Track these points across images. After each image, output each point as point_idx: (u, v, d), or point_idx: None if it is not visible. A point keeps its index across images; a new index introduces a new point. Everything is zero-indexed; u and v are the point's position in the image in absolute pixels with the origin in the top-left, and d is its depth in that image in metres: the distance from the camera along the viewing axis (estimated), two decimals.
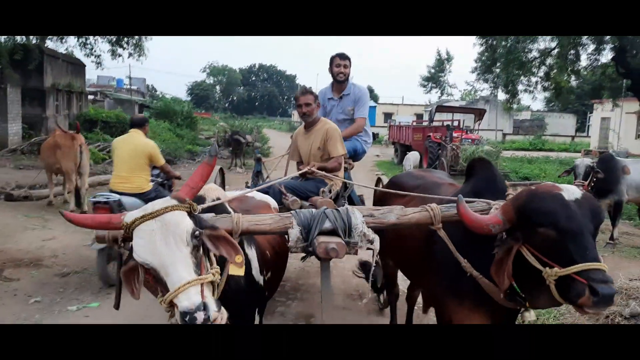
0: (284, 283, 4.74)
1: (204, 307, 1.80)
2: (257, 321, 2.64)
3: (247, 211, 2.69)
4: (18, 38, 15.69)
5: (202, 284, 1.86)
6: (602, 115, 30.77)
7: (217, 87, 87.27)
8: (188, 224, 1.95)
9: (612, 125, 29.08)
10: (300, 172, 3.82)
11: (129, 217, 1.95)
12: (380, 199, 3.71)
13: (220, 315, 1.87)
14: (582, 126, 45.83)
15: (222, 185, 4.72)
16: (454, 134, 15.28)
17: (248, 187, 4.56)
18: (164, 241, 1.89)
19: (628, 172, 6.71)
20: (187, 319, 1.77)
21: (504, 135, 37.46)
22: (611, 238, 6.87)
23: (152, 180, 5.32)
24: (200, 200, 2.32)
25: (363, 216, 2.57)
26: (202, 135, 27.92)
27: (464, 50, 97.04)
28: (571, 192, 2.08)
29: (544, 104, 53.62)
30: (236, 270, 2.13)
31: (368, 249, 2.58)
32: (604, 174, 6.60)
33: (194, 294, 1.82)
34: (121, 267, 2.05)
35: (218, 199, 2.44)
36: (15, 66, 14.87)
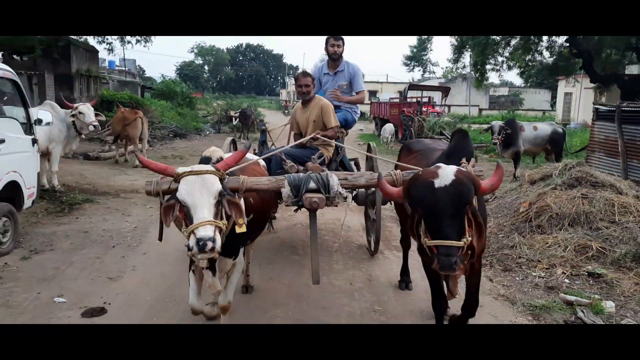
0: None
1: (213, 240, 2.36)
2: (240, 255, 3.15)
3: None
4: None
5: (215, 226, 2.44)
6: (565, 90, 32.95)
7: (206, 67, 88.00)
8: (218, 186, 2.57)
9: (574, 99, 31.61)
10: (306, 139, 4.45)
11: (180, 169, 2.58)
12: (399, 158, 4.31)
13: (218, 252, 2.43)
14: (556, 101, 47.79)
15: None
16: (424, 109, 18.39)
17: (256, 154, 5.23)
18: (200, 191, 2.49)
19: (523, 129, 9.85)
20: (200, 244, 2.33)
21: (480, 110, 38.72)
22: (514, 176, 9.99)
23: None
24: (207, 159, 2.90)
25: (339, 179, 3.19)
26: (199, 113, 30.34)
27: None
28: (444, 178, 2.36)
29: (523, 81, 55.69)
30: (239, 229, 2.72)
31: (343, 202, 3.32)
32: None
33: (209, 228, 2.39)
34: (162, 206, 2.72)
35: (220, 157, 2.93)
36: (47, 54, 17.55)
